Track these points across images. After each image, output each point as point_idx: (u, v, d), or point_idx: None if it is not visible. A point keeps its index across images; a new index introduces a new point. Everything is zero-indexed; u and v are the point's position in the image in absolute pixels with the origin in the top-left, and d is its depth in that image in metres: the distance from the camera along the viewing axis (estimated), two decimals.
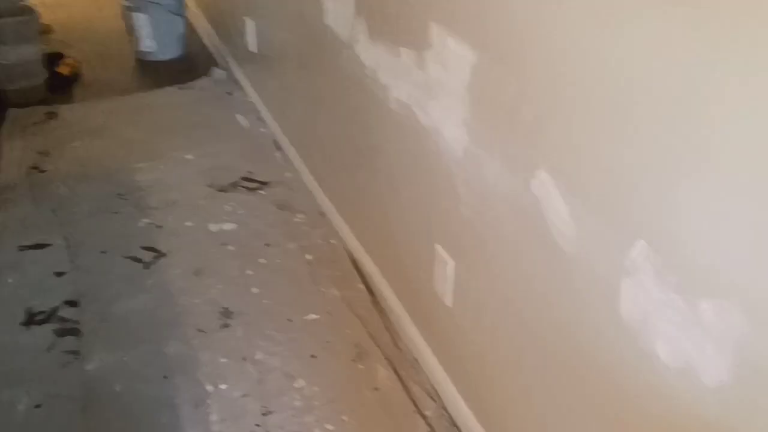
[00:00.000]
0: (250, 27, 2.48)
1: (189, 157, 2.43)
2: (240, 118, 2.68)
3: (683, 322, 0.79)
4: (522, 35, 0.96)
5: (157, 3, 3.05)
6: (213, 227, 2.08)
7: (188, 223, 2.09)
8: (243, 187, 2.27)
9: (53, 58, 2.97)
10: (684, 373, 0.80)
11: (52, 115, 2.70)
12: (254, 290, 1.83)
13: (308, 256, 1.95)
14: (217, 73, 3.01)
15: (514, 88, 1.01)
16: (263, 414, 1.48)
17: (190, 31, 3.41)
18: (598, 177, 0.88)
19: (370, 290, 1.82)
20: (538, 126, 0.98)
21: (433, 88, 1.24)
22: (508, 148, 1.07)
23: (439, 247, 1.39)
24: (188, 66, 3.17)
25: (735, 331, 0.72)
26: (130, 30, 3.16)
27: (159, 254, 1.95)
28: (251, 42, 2.52)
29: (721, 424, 0.77)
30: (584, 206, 0.92)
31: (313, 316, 1.74)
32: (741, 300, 0.71)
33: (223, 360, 1.61)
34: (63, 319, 1.71)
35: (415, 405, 1.51)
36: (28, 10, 2.80)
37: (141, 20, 3.08)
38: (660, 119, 0.76)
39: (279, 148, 2.46)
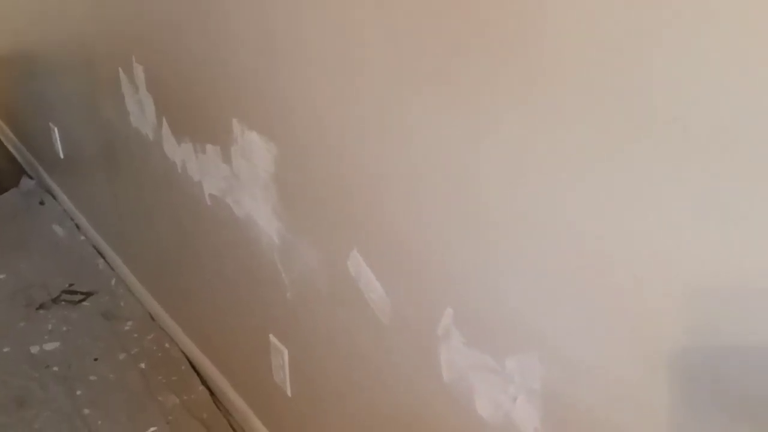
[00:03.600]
0: (56, 133, 2.38)
1: (1, 277, 2.25)
2: (56, 228, 2.53)
3: (496, 379, 0.83)
4: (314, 128, 1.00)
5: None
6: (34, 349, 1.93)
7: (6, 350, 1.93)
8: (65, 301, 2.12)
9: None
10: (505, 427, 0.84)
11: None
12: (86, 411, 1.70)
13: (141, 365, 1.85)
14: (27, 183, 2.84)
15: (313, 175, 1.04)
16: None
17: None
18: (400, 253, 0.92)
19: (211, 391, 1.75)
20: (341, 209, 1.01)
21: (242, 181, 1.25)
22: (320, 232, 1.09)
23: (272, 337, 1.37)
24: None
25: (537, 380, 0.77)
26: None
27: None
28: (59, 148, 2.41)
29: None
30: (395, 282, 0.96)
31: (153, 429, 1.65)
32: (538, 352, 0.76)
33: None
34: None
35: None
36: None
37: None
38: (440, 197, 0.81)
39: (101, 255, 2.34)
